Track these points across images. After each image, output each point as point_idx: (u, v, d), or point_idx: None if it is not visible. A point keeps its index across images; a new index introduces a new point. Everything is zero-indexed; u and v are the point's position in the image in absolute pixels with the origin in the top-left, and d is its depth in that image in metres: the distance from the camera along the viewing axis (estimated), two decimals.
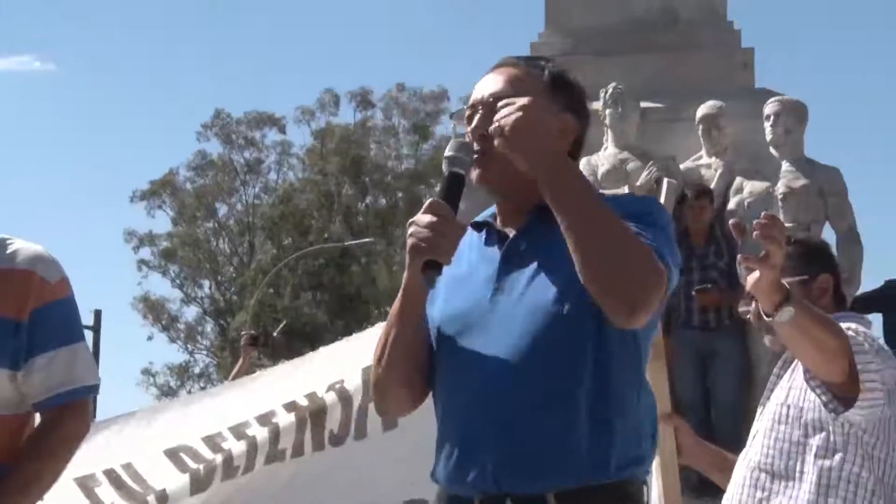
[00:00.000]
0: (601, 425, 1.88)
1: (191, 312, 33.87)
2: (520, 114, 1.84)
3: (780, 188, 6.95)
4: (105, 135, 47.16)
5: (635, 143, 7.51)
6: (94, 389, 2.43)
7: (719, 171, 7.27)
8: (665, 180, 7.04)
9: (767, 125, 7.10)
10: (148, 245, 33.64)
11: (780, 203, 6.93)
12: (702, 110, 7.33)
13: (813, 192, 6.96)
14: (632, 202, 2.03)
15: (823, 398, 2.50)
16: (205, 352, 33.88)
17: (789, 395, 2.66)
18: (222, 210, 34.28)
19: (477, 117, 1.99)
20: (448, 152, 1.94)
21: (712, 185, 7.13)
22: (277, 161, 34.60)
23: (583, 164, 7.59)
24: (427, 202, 1.90)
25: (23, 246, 2.35)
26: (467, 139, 2.00)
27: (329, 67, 49.06)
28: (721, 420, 6.67)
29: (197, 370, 33.10)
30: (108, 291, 43.15)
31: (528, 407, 1.87)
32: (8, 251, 2.32)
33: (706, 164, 7.38)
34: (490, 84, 2.02)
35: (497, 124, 1.86)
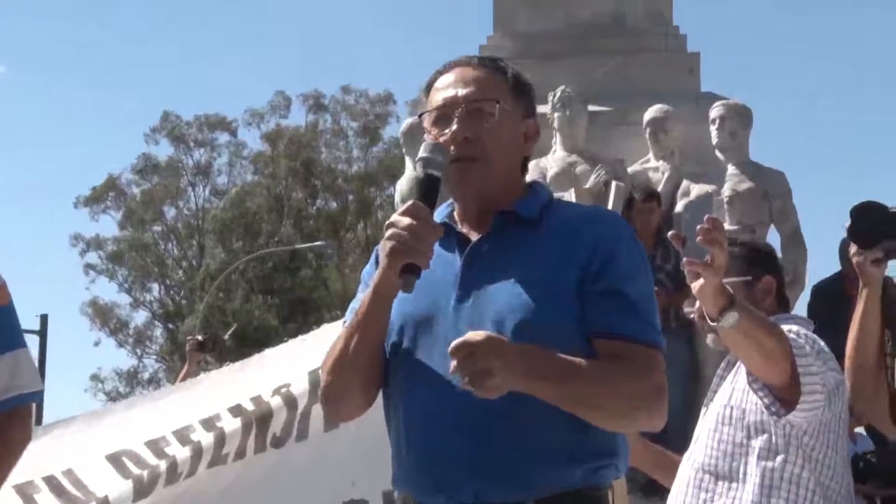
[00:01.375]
0: (575, 428, 1.88)
1: (140, 317, 33.47)
2: (482, 365, 1.76)
3: (726, 191, 7.04)
4: (52, 137, 46.41)
5: (584, 147, 7.56)
6: (37, 396, 2.40)
7: (666, 174, 7.34)
8: (613, 183, 7.18)
9: (713, 129, 7.19)
10: (94, 249, 33.17)
11: (725, 205, 7.01)
12: (649, 114, 7.40)
13: (758, 195, 7.05)
14: (611, 238, 1.94)
15: (765, 401, 2.53)
16: (154, 357, 33.50)
17: (732, 396, 2.69)
18: (171, 213, 33.91)
19: (456, 122, 1.96)
20: (422, 153, 1.92)
21: (660, 188, 7.20)
22: (229, 163, 34.31)
23: (532, 166, 7.63)
24: (406, 204, 1.87)
25: None
26: (432, 139, 1.97)
27: (279, 69, 48.75)
28: (670, 422, 6.70)
29: (146, 375, 32.72)
30: (56, 296, 42.49)
31: (500, 414, 1.85)
32: None
33: (653, 167, 7.45)
34: (459, 85, 1.99)
35: (466, 381, 1.77)
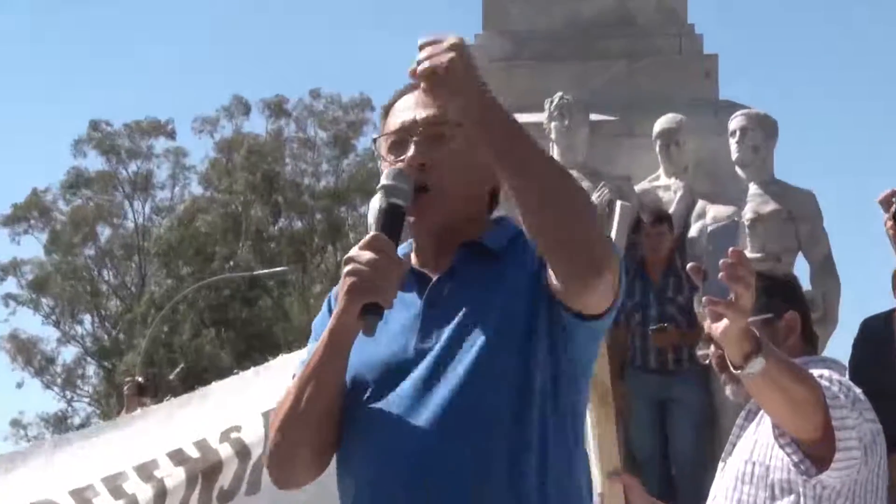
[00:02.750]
0: (537, 485, 1.91)
1: (69, 353, 33.23)
2: (452, 54, 1.83)
3: (747, 213, 7.05)
4: None
5: (584, 161, 7.57)
6: None
7: (679, 194, 7.36)
8: (618, 203, 7.08)
9: (733, 142, 7.22)
10: (14, 275, 32.94)
11: (746, 230, 7.03)
12: (659, 125, 7.43)
13: (783, 218, 7.08)
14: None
15: (794, 458, 2.52)
16: (87, 399, 33.23)
17: (755, 450, 2.68)
18: (105, 234, 33.75)
19: (413, 147, 1.99)
20: (385, 181, 1.95)
21: (671, 210, 7.22)
22: (171, 175, 34.23)
23: None
24: (367, 237, 1.90)
25: None
26: (387, 166, 2.00)
27: (231, 72, 48.72)
28: (681, 475, 6.73)
29: (77, 420, 32.44)
30: None
31: (464, 474, 1.89)
32: None
33: (664, 186, 7.47)
34: (419, 107, 2.02)
35: (427, 65, 1.83)
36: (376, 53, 49.03)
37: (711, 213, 7.19)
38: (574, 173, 7.52)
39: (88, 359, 33.21)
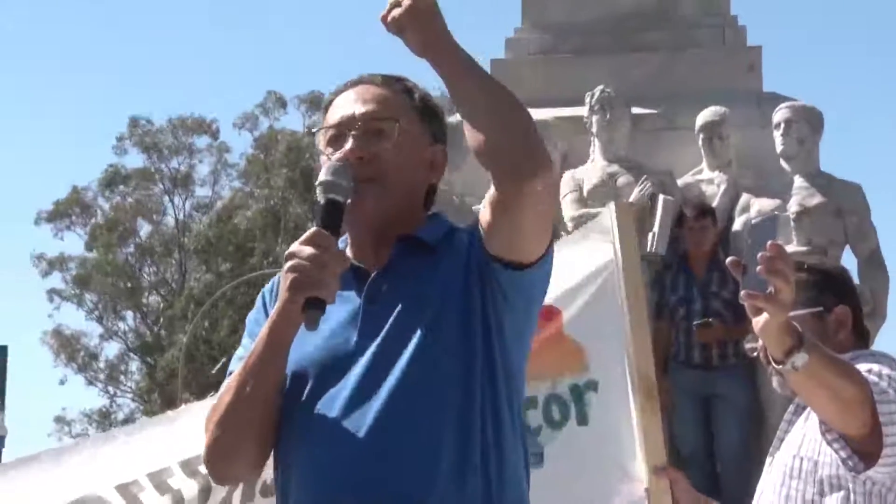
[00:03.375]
0: (484, 480, 1.96)
1: (111, 349, 33.56)
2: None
3: (793, 206, 7.01)
4: (12, 143, 46.74)
5: (626, 155, 7.55)
6: None
7: (722, 187, 7.32)
8: (661, 197, 7.19)
9: (777, 134, 7.17)
10: (59, 270, 33.32)
11: (792, 223, 6.98)
12: (702, 118, 7.39)
13: (830, 212, 7.02)
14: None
15: (842, 454, 2.51)
16: (130, 395, 33.55)
17: (802, 445, 2.67)
18: (146, 230, 34.03)
19: (351, 140, 2.04)
20: (323, 176, 1.99)
21: (714, 203, 7.18)
22: (212, 172, 34.46)
23: (567, 178, 7.64)
24: (308, 232, 1.94)
25: None
26: (325, 160, 2.05)
27: (267, 69, 49.01)
28: (726, 472, 6.70)
29: (120, 416, 32.76)
30: (16, 324, 42.65)
31: (404, 469, 1.92)
32: None
33: (707, 179, 7.43)
34: (358, 103, 2.08)
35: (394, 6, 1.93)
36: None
37: (756, 207, 7.15)
38: (616, 167, 7.67)
39: (131, 355, 33.52)
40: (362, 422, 1.94)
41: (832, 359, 2.39)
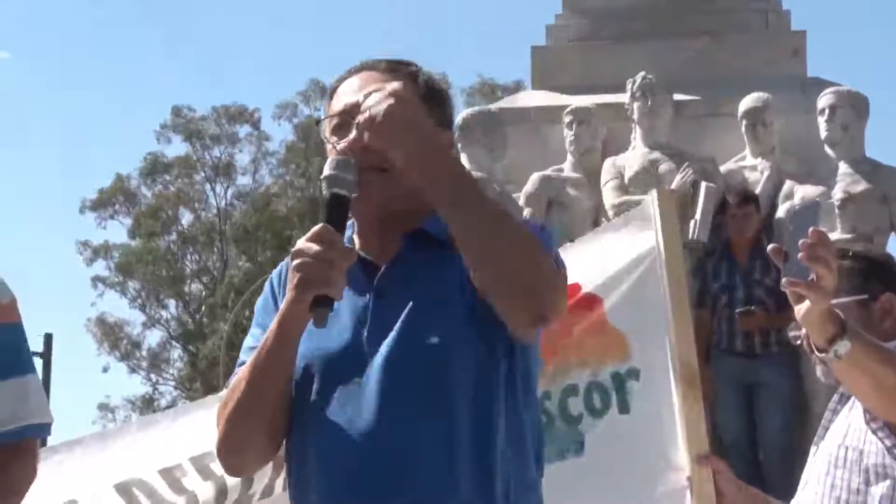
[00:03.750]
0: (488, 481, 1.94)
1: (154, 337, 33.88)
2: (391, 100, 1.87)
3: (837, 193, 6.95)
4: (57, 129, 47.34)
5: (668, 142, 7.52)
6: (45, 429, 2.43)
7: (766, 174, 7.27)
8: (703, 184, 7.16)
9: (822, 120, 7.11)
10: (103, 258, 33.66)
11: (836, 210, 6.93)
12: (745, 104, 7.34)
13: (875, 198, 6.96)
14: None
15: (887, 442, 2.49)
16: (172, 383, 33.87)
17: (848, 434, 2.65)
18: (187, 218, 34.30)
19: (355, 128, 1.99)
20: (327, 171, 1.96)
21: (758, 190, 7.14)
22: (253, 161, 34.65)
23: (608, 165, 7.62)
24: (314, 229, 1.90)
25: None
26: (331, 148, 2.03)
27: (308, 57, 49.22)
28: (769, 461, 6.67)
29: (163, 403, 33.08)
30: (60, 312, 43.20)
31: (416, 466, 1.91)
32: None
33: (750, 166, 7.39)
34: (363, 90, 2.02)
35: (366, 115, 1.87)
36: (451, 36, 49.10)
37: (800, 194, 7.10)
38: (657, 154, 7.64)
39: (173, 343, 33.83)
40: (375, 419, 1.92)
41: (876, 347, 2.38)
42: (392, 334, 1.96)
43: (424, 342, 1.94)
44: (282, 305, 1.95)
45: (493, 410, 1.96)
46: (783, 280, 2.19)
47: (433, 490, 1.92)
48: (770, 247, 2.21)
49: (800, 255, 2.12)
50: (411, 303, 1.97)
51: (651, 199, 3.11)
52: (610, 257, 3.08)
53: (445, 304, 1.96)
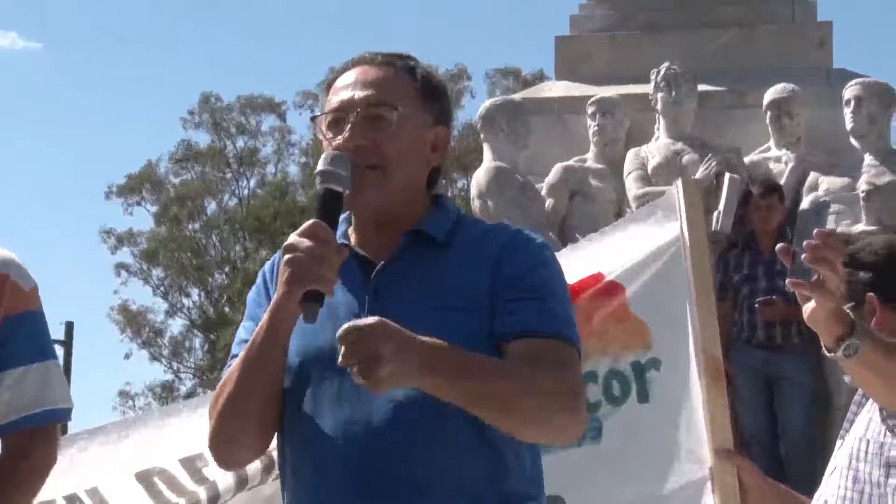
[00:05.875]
0: (496, 471, 1.95)
1: (176, 325, 34.06)
2: (369, 343, 1.79)
3: (863, 185, 6.92)
4: (85, 119, 47.64)
5: (692, 133, 7.50)
6: (66, 414, 2.46)
7: (790, 165, 7.25)
8: (727, 175, 7.14)
9: (847, 112, 7.08)
10: (128, 245, 33.84)
11: (861, 202, 6.89)
12: (770, 94, 7.31)
13: None
14: (520, 247, 2.03)
15: None
16: (192, 371, 34.06)
17: (869, 427, 2.64)
18: (212, 207, 34.47)
19: (349, 128, 1.99)
20: (321, 166, 1.95)
21: (782, 181, 7.11)
22: (276, 152, 34.76)
23: (631, 156, 7.60)
24: (306, 224, 1.89)
25: None
26: (326, 145, 2.01)
27: (331, 46, 49.27)
28: (791, 454, 6.64)
29: (184, 391, 33.26)
30: (81, 300, 43.49)
31: (411, 461, 1.91)
32: None
33: (775, 157, 7.36)
34: (357, 87, 2.03)
35: (353, 370, 1.79)
36: (474, 25, 49.00)
37: (825, 185, 7.07)
38: (681, 145, 7.61)
39: (194, 331, 34.00)
40: (371, 414, 1.92)
41: (885, 344, 2.36)
42: None
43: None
44: (272, 300, 1.94)
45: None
46: (787, 280, 2.19)
47: (433, 485, 1.91)
48: (778, 247, 2.20)
49: (803, 255, 2.11)
50: (407, 302, 1.95)
51: (676, 189, 3.09)
52: (634, 246, 3.07)
53: (441, 306, 1.95)
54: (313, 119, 2.09)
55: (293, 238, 1.88)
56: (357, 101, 2.01)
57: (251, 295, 2.12)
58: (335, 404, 1.95)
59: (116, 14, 47.77)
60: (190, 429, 2.85)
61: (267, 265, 2.12)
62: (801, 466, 6.30)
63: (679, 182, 3.12)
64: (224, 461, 2.12)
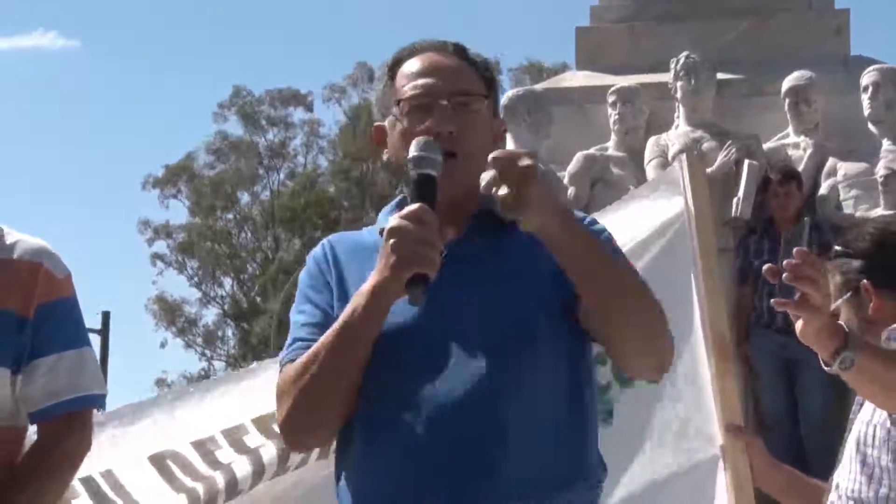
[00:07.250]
0: (576, 440, 1.96)
1: (210, 314, 34.20)
2: (526, 165, 1.82)
3: (880, 170, 6.88)
4: (123, 114, 47.88)
5: (711, 120, 7.47)
6: (100, 400, 2.46)
7: (808, 152, 7.21)
8: (746, 162, 7.11)
9: (865, 98, 7.04)
10: (164, 237, 33.99)
11: (879, 187, 6.85)
12: (788, 82, 7.27)
13: None
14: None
15: None
16: (224, 360, 34.20)
17: (875, 413, 2.64)
18: (245, 199, 34.58)
19: (438, 115, 1.98)
20: (414, 152, 1.93)
21: (800, 168, 7.08)
22: (305, 143, 34.81)
23: (652, 143, 7.59)
24: (410, 208, 1.87)
25: (23, 237, 2.39)
26: (402, 129, 2.01)
27: (360, 40, 49.21)
28: (810, 437, 6.62)
29: None
30: (118, 290, 43.74)
31: (500, 443, 1.89)
32: (7, 242, 2.37)
33: (793, 144, 7.32)
34: (438, 74, 2.01)
35: (505, 192, 1.82)
36: (499, 17, 48.84)
37: (842, 171, 7.04)
38: (700, 133, 7.57)
39: (227, 320, 34.13)
40: (468, 397, 1.90)
41: (881, 353, 2.35)
42: (467, 311, 1.94)
43: (503, 318, 1.93)
44: (370, 282, 1.90)
45: (582, 383, 1.98)
46: (772, 300, 2.19)
47: (529, 469, 1.90)
48: (765, 268, 2.17)
49: (784, 275, 2.11)
50: (482, 281, 1.96)
51: (680, 165, 3.06)
52: (638, 223, 3.03)
53: (514, 273, 1.96)
54: (398, 103, 2.03)
55: (398, 222, 1.86)
56: (444, 89, 2.00)
57: (304, 281, 2.08)
58: (429, 385, 1.91)
59: (150, 11, 47.98)
60: (201, 412, 2.82)
61: (318, 252, 2.09)
62: (820, 449, 6.28)
63: (683, 157, 3.09)
64: (298, 445, 2.10)
